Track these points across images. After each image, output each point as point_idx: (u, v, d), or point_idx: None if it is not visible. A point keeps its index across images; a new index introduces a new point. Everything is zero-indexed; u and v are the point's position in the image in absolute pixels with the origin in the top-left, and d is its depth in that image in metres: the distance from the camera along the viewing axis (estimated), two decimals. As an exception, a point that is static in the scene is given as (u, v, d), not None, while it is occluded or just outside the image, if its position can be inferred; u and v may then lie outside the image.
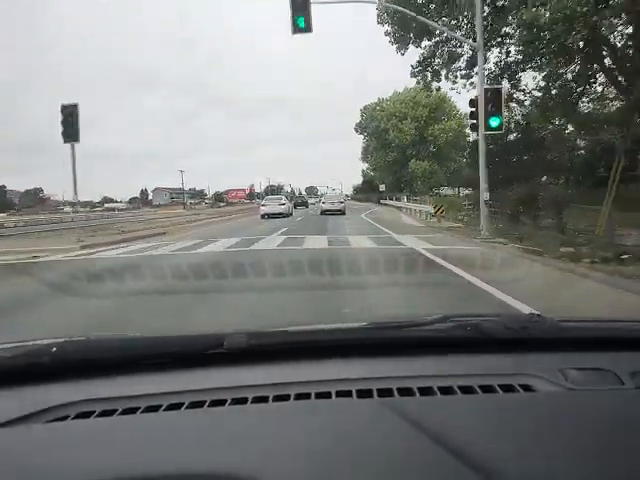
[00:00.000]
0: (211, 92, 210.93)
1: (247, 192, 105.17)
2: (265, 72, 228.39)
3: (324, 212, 27.84)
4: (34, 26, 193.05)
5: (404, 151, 48.13)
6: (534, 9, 10.94)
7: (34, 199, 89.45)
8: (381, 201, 47.74)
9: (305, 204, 50.16)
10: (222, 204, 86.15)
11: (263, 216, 25.26)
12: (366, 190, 70.17)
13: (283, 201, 28.11)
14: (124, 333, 1.44)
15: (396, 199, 39.94)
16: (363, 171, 74.04)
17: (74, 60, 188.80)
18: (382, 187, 52.26)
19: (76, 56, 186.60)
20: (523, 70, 16.30)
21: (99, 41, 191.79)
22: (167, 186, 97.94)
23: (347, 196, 70.67)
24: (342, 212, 27.26)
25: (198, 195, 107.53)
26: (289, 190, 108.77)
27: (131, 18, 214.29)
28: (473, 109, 12.28)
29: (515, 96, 17.05)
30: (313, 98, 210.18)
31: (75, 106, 14.36)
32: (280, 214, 25.43)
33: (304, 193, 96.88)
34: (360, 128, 55.82)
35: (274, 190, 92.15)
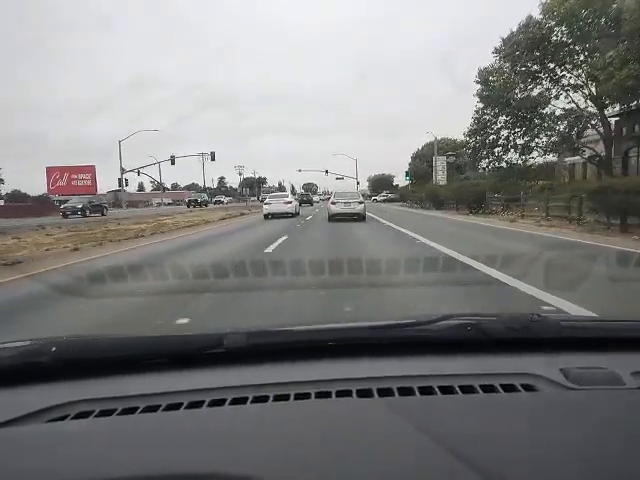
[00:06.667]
0: (202, 86, 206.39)
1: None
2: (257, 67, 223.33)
3: (334, 217, 18.76)
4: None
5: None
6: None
7: None
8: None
9: (310, 202, 49.03)
10: None
11: (267, 216, 22.27)
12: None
13: (289, 199, 24.51)
14: (123, 333, 1.44)
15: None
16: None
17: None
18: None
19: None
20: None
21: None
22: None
23: (374, 197, 54.30)
24: (361, 217, 18.81)
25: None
26: (277, 185, 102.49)
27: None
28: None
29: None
30: (308, 94, 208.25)
31: None
32: (286, 214, 22.45)
33: (302, 190, 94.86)
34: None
35: (248, 185, 79.15)
